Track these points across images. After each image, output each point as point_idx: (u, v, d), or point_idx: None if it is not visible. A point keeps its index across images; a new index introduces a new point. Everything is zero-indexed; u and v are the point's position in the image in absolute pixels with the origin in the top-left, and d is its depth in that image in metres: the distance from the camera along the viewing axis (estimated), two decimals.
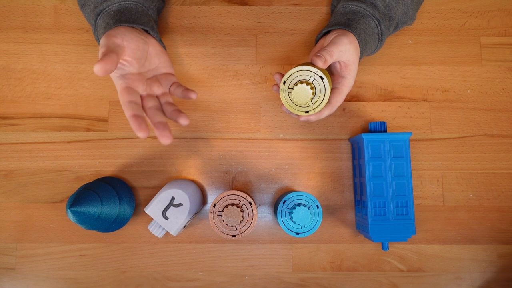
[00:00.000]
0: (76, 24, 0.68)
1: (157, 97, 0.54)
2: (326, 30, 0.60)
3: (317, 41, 0.62)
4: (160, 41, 0.57)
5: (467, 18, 0.68)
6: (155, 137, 0.66)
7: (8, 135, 0.66)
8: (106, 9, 0.56)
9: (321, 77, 0.53)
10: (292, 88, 0.53)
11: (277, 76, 0.57)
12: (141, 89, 0.53)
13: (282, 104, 0.58)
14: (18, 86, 0.67)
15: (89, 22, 0.60)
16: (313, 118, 0.57)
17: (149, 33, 0.56)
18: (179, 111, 0.51)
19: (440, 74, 0.67)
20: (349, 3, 0.60)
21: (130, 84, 0.51)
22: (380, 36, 0.60)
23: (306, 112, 0.55)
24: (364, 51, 0.59)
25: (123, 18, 0.55)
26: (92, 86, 0.67)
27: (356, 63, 0.57)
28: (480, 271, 0.64)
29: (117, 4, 0.56)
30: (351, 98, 0.67)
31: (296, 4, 0.68)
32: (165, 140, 0.48)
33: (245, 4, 0.69)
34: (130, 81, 0.52)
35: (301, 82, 0.53)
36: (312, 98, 0.54)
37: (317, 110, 0.54)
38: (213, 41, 0.68)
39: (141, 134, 0.46)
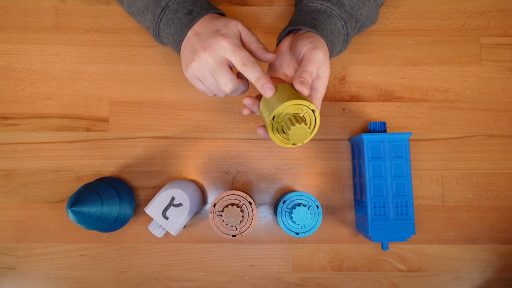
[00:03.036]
0: (77, 24, 0.68)
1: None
2: (290, 29, 0.56)
3: (280, 40, 0.58)
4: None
5: (467, 18, 0.68)
6: (155, 137, 0.66)
7: (8, 135, 0.66)
8: None
9: (313, 110, 0.49)
10: (283, 122, 0.49)
11: (247, 101, 0.53)
12: None
13: (258, 128, 0.54)
14: (19, 86, 0.67)
15: (146, 6, 0.58)
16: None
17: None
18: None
19: (439, 74, 0.67)
20: (314, 1, 0.56)
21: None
22: (345, 37, 0.57)
23: (294, 144, 0.51)
24: (332, 54, 0.57)
25: (212, 5, 0.57)
26: (92, 86, 0.67)
27: (328, 73, 0.53)
28: (480, 271, 0.64)
29: None
30: (351, 98, 0.67)
31: None
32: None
33: (245, 4, 0.69)
34: None
35: (295, 118, 0.48)
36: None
37: (305, 141, 0.50)
38: None
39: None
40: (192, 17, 0.55)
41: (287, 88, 0.50)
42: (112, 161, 0.66)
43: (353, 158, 0.65)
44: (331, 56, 0.57)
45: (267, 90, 0.49)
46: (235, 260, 0.65)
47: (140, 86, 0.67)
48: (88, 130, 0.66)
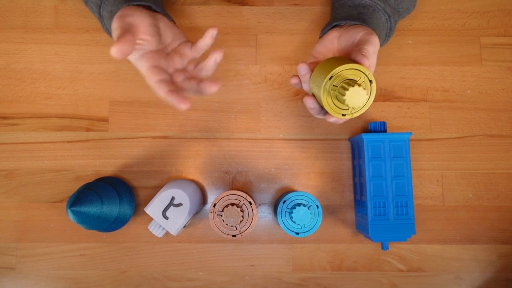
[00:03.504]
0: (77, 24, 0.68)
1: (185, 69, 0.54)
2: (336, 23, 0.56)
3: (323, 34, 0.58)
4: (167, 15, 0.56)
5: (467, 18, 0.68)
6: (155, 137, 0.66)
7: (8, 135, 0.66)
8: None
9: (370, 81, 0.49)
10: (339, 86, 0.48)
11: (303, 66, 0.52)
12: (165, 65, 0.52)
13: (307, 97, 0.53)
14: (18, 86, 0.67)
15: (96, 16, 0.58)
16: (341, 120, 0.54)
17: (153, 9, 0.55)
18: (205, 82, 0.50)
19: (440, 74, 0.67)
20: None
21: (154, 63, 0.51)
22: (388, 31, 0.58)
23: (343, 115, 0.50)
24: None
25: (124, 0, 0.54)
26: (92, 86, 0.67)
27: (375, 66, 0.53)
28: (480, 271, 0.64)
29: None
30: None
31: (296, 4, 0.68)
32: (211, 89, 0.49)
33: (245, 4, 0.69)
34: (152, 60, 0.51)
35: (355, 83, 0.47)
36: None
37: (355, 114, 0.50)
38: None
39: (184, 106, 0.47)
40: (112, 20, 0.52)
41: (343, 58, 0.50)
42: (112, 161, 0.66)
43: (353, 158, 0.65)
44: None
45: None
46: (235, 260, 0.65)
47: (140, 86, 0.67)
48: (88, 130, 0.66)
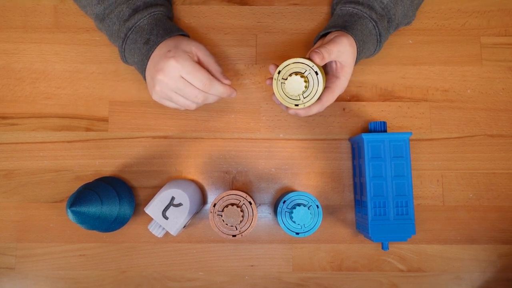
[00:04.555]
0: (76, 23, 0.68)
1: None
2: (323, 32, 0.60)
3: (315, 43, 0.62)
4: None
5: (467, 18, 0.68)
6: (155, 137, 0.66)
7: (8, 135, 0.66)
8: (138, 23, 0.58)
9: (316, 72, 0.53)
10: (286, 79, 0.54)
11: (272, 67, 0.58)
12: None
13: (274, 94, 0.59)
14: (18, 86, 0.67)
15: (111, 36, 0.61)
16: (301, 112, 0.58)
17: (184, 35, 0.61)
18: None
19: (440, 74, 0.67)
20: (346, 5, 0.60)
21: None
22: (378, 37, 0.60)
23: (296, 105, 0.55)
24: (362, 52, 0.59)
25: (171, 29, 0.58)
26: (92, 86, 0.67)
27: (352, 66, 0.57)
28: (480, 271, 0.64)
29: (148, 16, 0.58)
30: (351, 98, 0.67)
31: (296, 4, 0.68)
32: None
33: (245, 4, 0.69)
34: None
35: (296, 74, 0.53)
36: (304, 92, 0.54)
37: (306, 104, 0.55)
38: (213, 41, 0.68)
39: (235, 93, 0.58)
40: (149, 47, 0.57)
41: (302, 58, 0.54)
42: (112, 161, 0.66)
43: (353, 158, 0.65)
44: (365, 54, 0.61)
45: (234, 94, 0.57)
46: (235, 260, 0.64)
47: (140, 86, 0.67)
48: (87, 130, 0.66)
